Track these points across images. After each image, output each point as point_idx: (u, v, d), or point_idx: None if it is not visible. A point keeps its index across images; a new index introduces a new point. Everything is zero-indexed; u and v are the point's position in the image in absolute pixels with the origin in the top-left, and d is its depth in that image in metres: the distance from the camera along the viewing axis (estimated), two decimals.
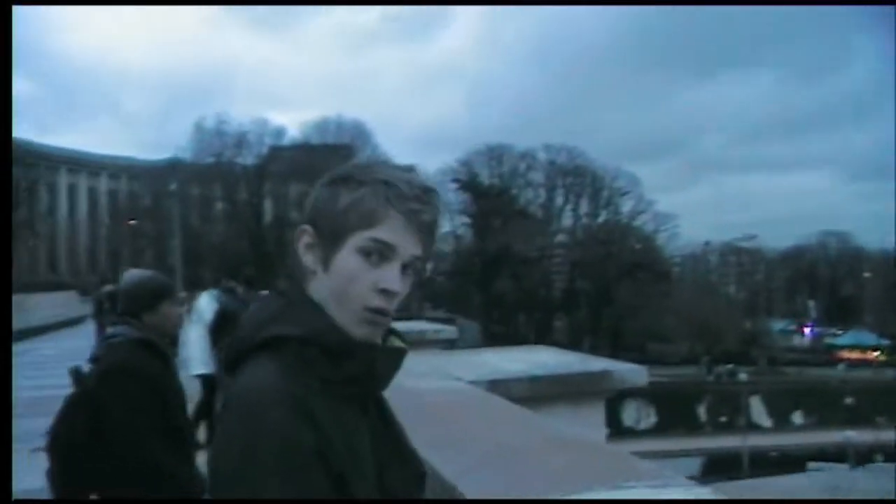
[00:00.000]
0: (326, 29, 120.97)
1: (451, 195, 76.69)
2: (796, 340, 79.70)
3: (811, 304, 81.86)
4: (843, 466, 36.38)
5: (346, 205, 1.27)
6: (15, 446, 3.86)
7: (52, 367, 3.87)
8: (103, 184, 78.08)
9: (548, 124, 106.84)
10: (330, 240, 1.27)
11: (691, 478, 3.18)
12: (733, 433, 47.87)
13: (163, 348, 3.67)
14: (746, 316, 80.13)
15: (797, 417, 54.75)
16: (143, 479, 3.32)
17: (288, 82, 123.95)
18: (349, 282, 1.26)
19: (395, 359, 1.32)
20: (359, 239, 1.25)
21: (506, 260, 70.79)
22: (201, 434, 7.56)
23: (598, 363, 5.98)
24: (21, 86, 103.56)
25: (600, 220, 77.36)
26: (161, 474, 3.31)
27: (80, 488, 3.46)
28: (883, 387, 56.82)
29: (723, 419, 53.66)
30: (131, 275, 3.89)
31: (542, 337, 64.43)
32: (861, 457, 38.20)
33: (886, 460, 35.05)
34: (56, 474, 3.47)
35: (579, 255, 73.62)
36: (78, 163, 76.03)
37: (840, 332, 76.27)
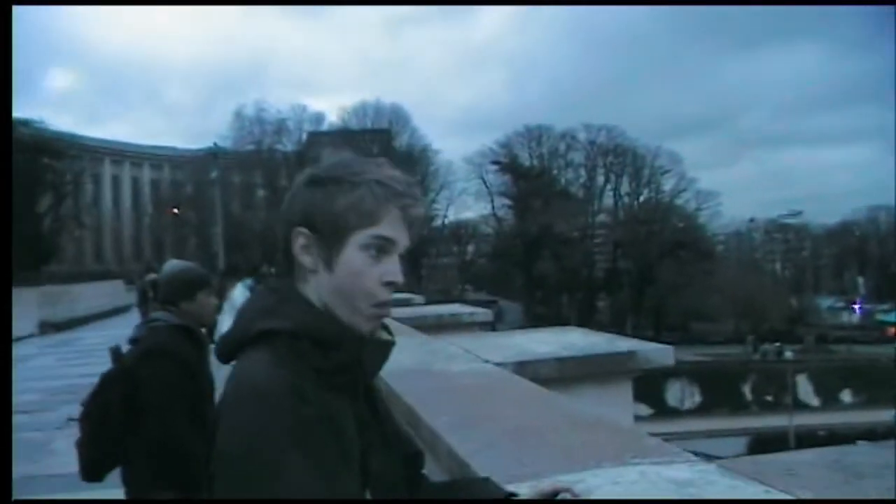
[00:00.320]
0: (363, 13, 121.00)
1: (492, 177, 76.74)
2: (845, 317, 78.50)
3: (860, 280, 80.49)
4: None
5: (345, 206, 1.32)
6: (55, 433, 4.00)
7: (98, 355, 4.04)
8: (146, 174, 79.28)
9: (587, 103, 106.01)
10: (331, 240, 1.33)
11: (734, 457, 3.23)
12: (779, 412, 47.39)
13: (199, 335, 3.86)
14: (792, 293, 79.19)
15: (846, 396, 53.99)
16: (168, 457, 3.46)
17: (325, 68, 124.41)
18: (356, 278, 1.32)
19: (382, 350, 1.40)
20: (361, 237, 1.32)
21: (547, 241, 70.65)
22: None
23: (624, 343, 5.98)
24: (64, 79, 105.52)
25: (642, 199, 76.87)
26: (185, 455, 3.42)
27: (105, 459, 3.64)
28: None
29: (768, 398, 53.12)
30: (171, 265, 4.10)
31: (585, 317, 64.29)
32: None
33: None
34: (85, 445, 3.65)
35: (621, 234, 73.23)
36: (121, 154, 77.30)
37: (890, 308, 74.86)
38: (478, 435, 3.28)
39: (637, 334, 42.61)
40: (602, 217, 77.13)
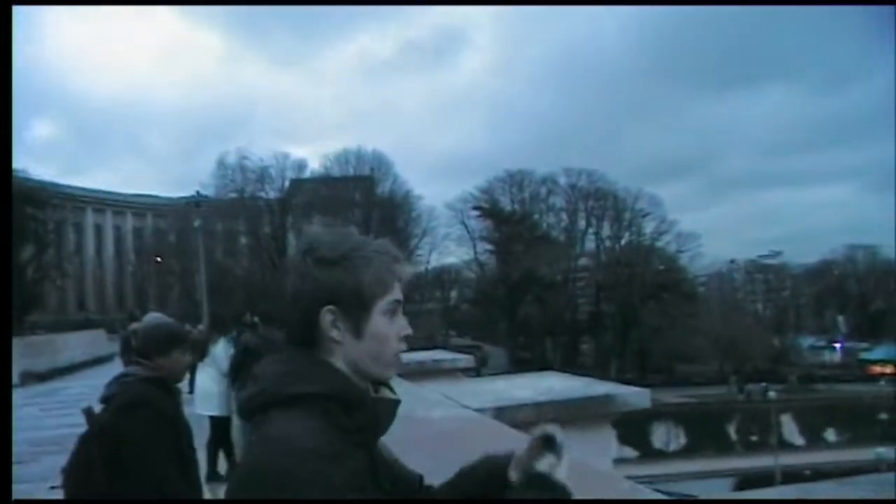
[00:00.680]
0: (344, 60, 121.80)
1: (474, 222, 77.08)
2: (827, 356, 78.82)
3: (840, 318, 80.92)
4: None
5: (367, 281, 1.50)
6: (41, 484, 4.03)
7: (79, 405, 4.07)
8: (129, 222, 79.03)
9: (568, 147, 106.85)
10: (358, 312, 1.50)
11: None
12: (765, 452, 47.36)
13: (170, 386, 3.92)
14: (775, 333, 79.52)
15: (830, 434, 54.12)
16: (154, 498, 3.53)
17: (307, 115, 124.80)
18: (383, 340, 1.52)
19: (392, 408, 1.57)
20: (382, 304, 1.52)
21: (530, 285, 70.85)
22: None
23: (601, 387, 6.12)
24: (45, 128, 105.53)
25: (623, 242, 77.24)
26: (176, 498, 3.51)
27: None
28: None
29: (753, 438, 53.16)
30: (151, 318, 4.19)
31: (569, 361, 64.34)
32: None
33: None
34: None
35: (603, 277, 73.51)
36: (103, 202, 77.09)
37: (871, 346, 75.28)
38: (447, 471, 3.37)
39: (621, 377, 42.79)
40: (584, 260, 77.31)
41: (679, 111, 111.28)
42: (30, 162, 59.63)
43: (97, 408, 3.83)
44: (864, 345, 76.25)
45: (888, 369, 69.56)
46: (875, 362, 71.63)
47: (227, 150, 72.25)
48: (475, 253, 78.07)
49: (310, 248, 1.54)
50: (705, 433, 53.01)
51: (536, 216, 78.78)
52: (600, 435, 5.83)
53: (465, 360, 10.82)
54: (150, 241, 75.82)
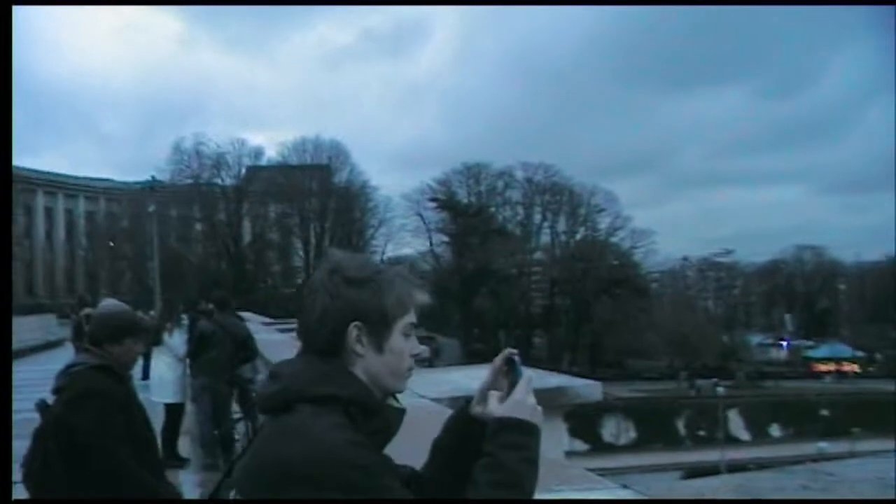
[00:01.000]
0: (303, 48, 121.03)
1: (430, 214, 77.06)
2: (773, 354, 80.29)
3: (787, 317, 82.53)
4: None
5: (392, 301, 1.65)
6: None
7: (29, 390, 4.04)
8: (81, 206, 77.66)
9: (525, 141, 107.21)
10: (381, 329, 1.64)
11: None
12: (712, 447, 48.16)
13: (120, 373, 3.94)
14: (724, 330, 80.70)
15: (774, 430, 55.23)
16: (120, 488, 3.58)
17: (265, 102, 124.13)
18: (400, 357, 1.67)
19: (401, 417, 1.72)
20: (401, 325, 1.67)
21: (485, 278, 71.10)
22: None
23: (554, 379, 6.25)
24: None
25: (578, 237, 77.74)
26: (134, 483, 3.56)
27: None
28: (858, 398, 57.40)
29: (701, 433, 53.99)
30: (106, 304, 4.19)
31: (522, 354, 62.99)
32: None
33: None
34: (33, 498, 3.71)
35: (558, 272, 73.96)
36: (55, 185, 75.62)
37: (816, 344, 76.92)
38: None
39: (573, 370, 43.12)
40: (539, 254, 77.80)
41: (635, 108, 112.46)
42: None
43: (50, 399, 3.85)
44: (809, 343, 77.90)
45: (831, 367, 71.28)
46: (819, 360, 73.29)
47: (184, 135, 71.57)
48: (431, 244, 78.22)
49: (337, 267, 1.67)
50: (655, 427, 53.76)
51: (493, 209, 79.07)
52: (552, 427, 5.96)
53: (420, 350, 10.88)
54: (103, 226, 74.70)
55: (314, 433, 1.49)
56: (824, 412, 53.51)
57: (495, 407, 1.68)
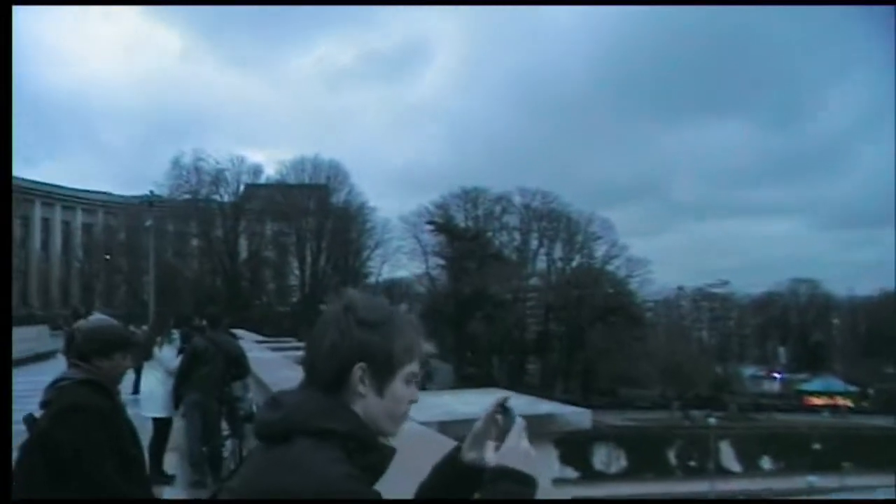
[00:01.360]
0: (305, 67, 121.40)
1: (427, 237, 77.17)
2: (766, 386, 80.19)
3: (781, 350, 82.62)
4: None
5: (399, 348, 1.68)
6: None
7: (21, 402, 4.04)
8: (78, 218, 77.57)
9: (524, 167, 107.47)
10: (385, 373, 1.67)
11: None
12: (703, 477, 48.10)
13: (107, 388, 3.95)
14: (718, 361, 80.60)
15: (765, 462, 55.12)
16: (100, 498, 3.58)
17: (265, 120, 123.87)
18: (399, 402, 1.70)
19: (391, 456, 1.72)
20: (405, 372, 1.69)
21: (480, 302, 71.01)
22: None
23: (544, 406, 6.28)
24: None
25: (574, 264, 77.74)
26: (119, 498, 3.57)
27: None
28: (850, 433, 57.36)
29: (692, 463, 53.90)
30: (93, 320, 4.22)
31: (515, 379, 64.52)
32: None
33: None
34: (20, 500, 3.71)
35: (553, 298, 73.90)
36: (53, 196, 75.54)
37: (809, 377, 76.90)
38: (396, 492, 3.50)
39: (566, 397, 43.09)
40: (535, 280, 77.60)
41: (635, 137, 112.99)
42: None
43: (38, 413, 3.87)
44: (803, 376, 77.88)
45: (824, 400, 71.23)
46: (812, 393, 73.25)
47: (183, 150, 71.59)
48: (427, 267, 78.19)
49: (351, 306, 1.70)
50: (646, 457, 53.65)
51: (489, 234, 79.12)
52: (542, 453, 5.96)
53: (418, 397, 10.89)
54: (100, 239, 74.57)
55: (314, 466, 1.51)
56: (816, 446, 53.46)
57: (491, 455, 1.70)
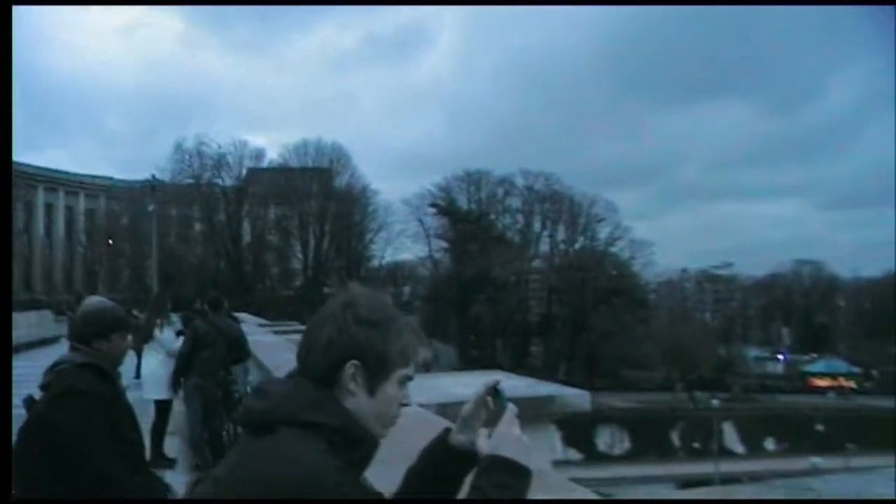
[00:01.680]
0: (307, 51, 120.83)
1: (430, 219, 77.13)
2: (770, 367, 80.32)
3: (785, 331, 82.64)
4: None
5: (395, 350, 1.65)
6: None
7: (26, 386, 4.03)
8: (81, 203, 77.55)
9: (526, 149, 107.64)
10: (378, 373, 1.64)
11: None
12: (706, 459, 48.19)
13: (108, 371, 3.91)
14: (721, 343, 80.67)
15: (769, 444, 55.20)
16: (103, 491, 3.56)
17: (268, 104, 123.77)
18: (390, 404, 1.67)
19: (375, 448, 1.69)
20: (399, 375, 1.66)
21: (483, 285, 71.05)
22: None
23: (544, 388, 6.27)
24: None
25: (577, 246, 77.72)
26: (115, 485, 3.55)
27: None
28: (853, 414, 57.42)
29: (696, 445, 54.00)
30: (91, 302, 4.15)
31: (519, 362, 64.67)
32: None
33: None
34: (20, 497, 3.69)
35: (556, 280, 73.97)
36: (55, 181, 75.51)
37: (813, 359, 76.93)
38: (391, 473, 3.48)
39: (569, 380, 43.13)
40: (538, 263, 77.69)
41: (638, 119, 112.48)
42: None
43: (38, 395, 3.83)
44: (806, 357, 77.92)
45: (827, 382, 71.28)
46: (816, 375, 73.29)
47: (185, 135, 71.66)
48: (430, 250, 78.31)
49: (352, 303, 1.67)
50: (649, 438, 53.75)
51: (492, 216, 79.12)
52: (543, 434, 5.98)
53: (410, 400, 10.88)
54: (103, 223, 74.59)
55: (298, 456, 1.49)
56: (819, 427, 53.55)
57: (483, 443, 1.68)
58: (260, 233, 73.68)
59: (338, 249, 74.88)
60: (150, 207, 54.25)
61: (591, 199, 75.98)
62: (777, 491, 3.15)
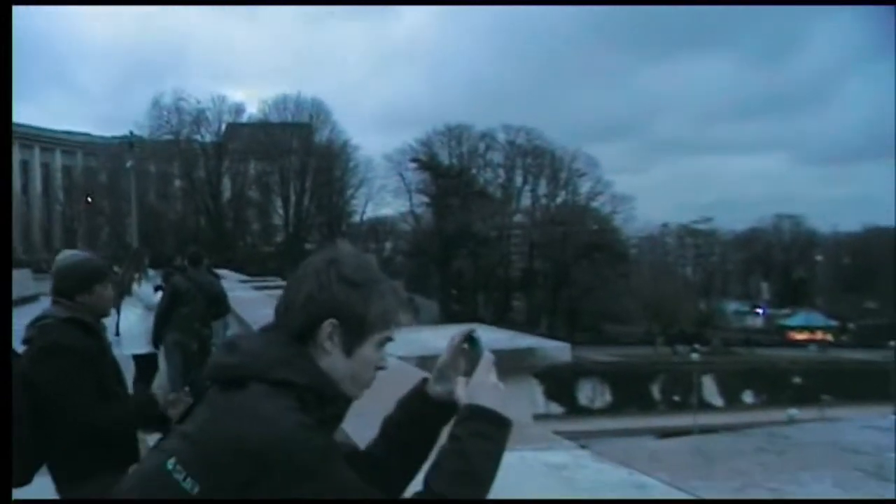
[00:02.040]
0: (284, 3, 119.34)
1: (411, 175, 76.92)
2: (749, 321, 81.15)
3: (764, 285, 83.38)
4: None
5: (375, 312, 1.63)
6: None
7: None
8: (58, 160, 76.57)
9: (507, 103, 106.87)
10: (356, 334, 1.62)
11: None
12: (686, 412, 48.82)
13: (93, 325, 3.82)
14: (702, 297, 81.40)
15: (747, 396, 55.97)
16: (94, 444, 3.53)
17: (246, 58, 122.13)
18: (367, 366, 1.65)
19: (348, 406, 1.70)
20: (379, 337, 1.65)
21: (464, 240, 71.19)
22: None
23: (524, 341, 6.27)
24: None
25: (559, 200, 77.82)
26: (110, 436, 3.52)
27: (30, 462, 3.58)
28: (830, 366, 58.23)
29: (676, 398, 54.68)
30: (65, 256, 4.04)
31: (500, 316, 65.01)
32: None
33: None
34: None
35: (538, 235, 74.14)
36: (30, 138, 74.18)
37: (791, 313, 77.75)
38: (369, 425, 3.47)
39: (551, 334, 43.39)
40: (519, 217, 77.74)
41: (618, 73, 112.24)
42: None
43: (20, 350, 3.77)
44: (785, 311, 78.74)
45: (805, 335, 72.18)
46: (794, 328, 74.17)
47: (163, 90, 70.66)
48: (411, 205, 78.11)
49: (336, 260, 1.65)
50: (630, 392, 54.38)
51: (474, 171, 78.86)
52: (524, 386, 5.99)
53: (386, 363, 10.91)
54: (81, 181, 73.81)
55: (268, 414, 1.47)
56: (797, 380, 54.28)
57: (461, 392, 1.66)
58: (240, 189, 73.24)
59: (318, 205, 74.59)
60: (129, 164, 53.73)
61: (572, 153, 75.98)
62: (754, 439, 3.18)
